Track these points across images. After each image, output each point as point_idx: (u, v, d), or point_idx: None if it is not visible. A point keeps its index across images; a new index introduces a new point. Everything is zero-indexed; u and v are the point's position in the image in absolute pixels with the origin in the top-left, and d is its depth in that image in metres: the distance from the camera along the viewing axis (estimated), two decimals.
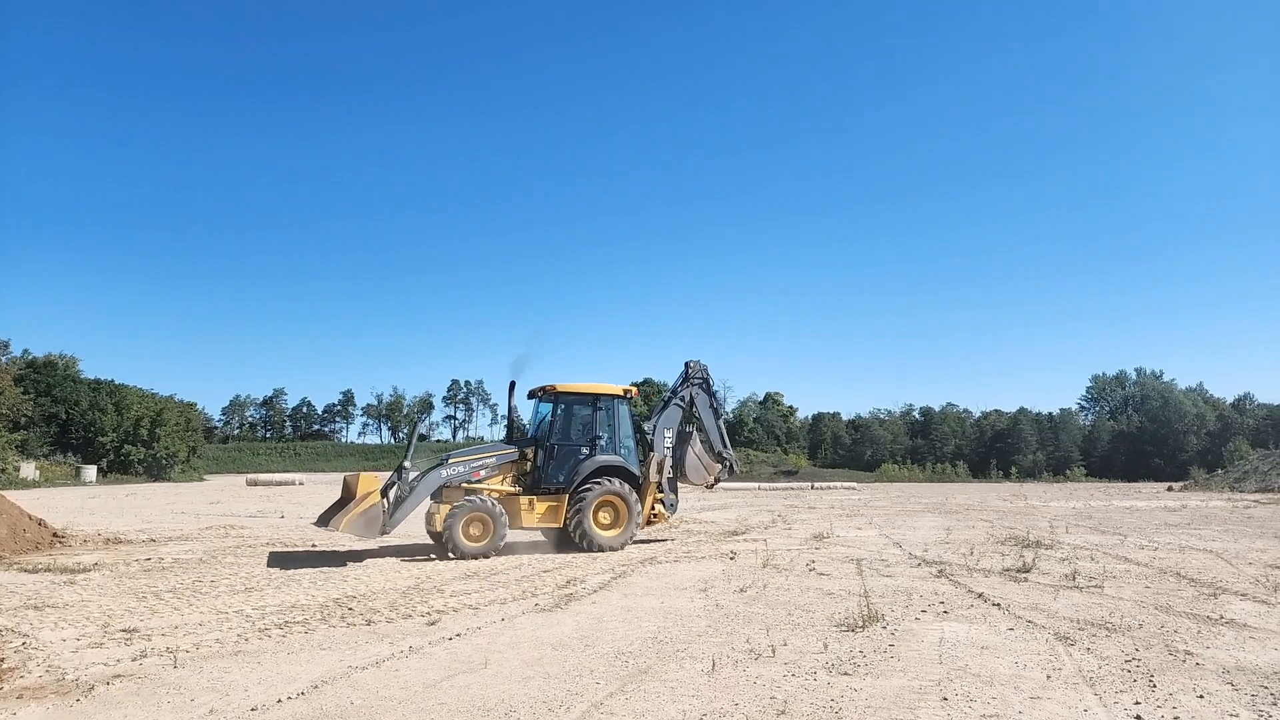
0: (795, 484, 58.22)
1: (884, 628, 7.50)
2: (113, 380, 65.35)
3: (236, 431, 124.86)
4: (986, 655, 6.49)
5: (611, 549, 13.77)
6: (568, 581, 10.45)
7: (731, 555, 13.31)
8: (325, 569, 11.76)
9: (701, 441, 15.87)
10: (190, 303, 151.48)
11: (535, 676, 5.90)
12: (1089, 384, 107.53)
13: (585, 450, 14.29)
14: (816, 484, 55.20)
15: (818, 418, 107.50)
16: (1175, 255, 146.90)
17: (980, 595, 9.22)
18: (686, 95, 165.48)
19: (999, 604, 8.67)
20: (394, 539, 15.08)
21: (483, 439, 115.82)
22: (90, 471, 54.35)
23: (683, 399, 15.66)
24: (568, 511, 13.86)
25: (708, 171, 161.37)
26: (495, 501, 13.32)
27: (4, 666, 6.11)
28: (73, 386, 60.87)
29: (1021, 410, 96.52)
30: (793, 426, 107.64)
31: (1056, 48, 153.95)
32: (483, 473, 13.87)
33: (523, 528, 13.99)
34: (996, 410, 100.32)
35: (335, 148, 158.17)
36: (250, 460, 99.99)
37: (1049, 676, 5.86)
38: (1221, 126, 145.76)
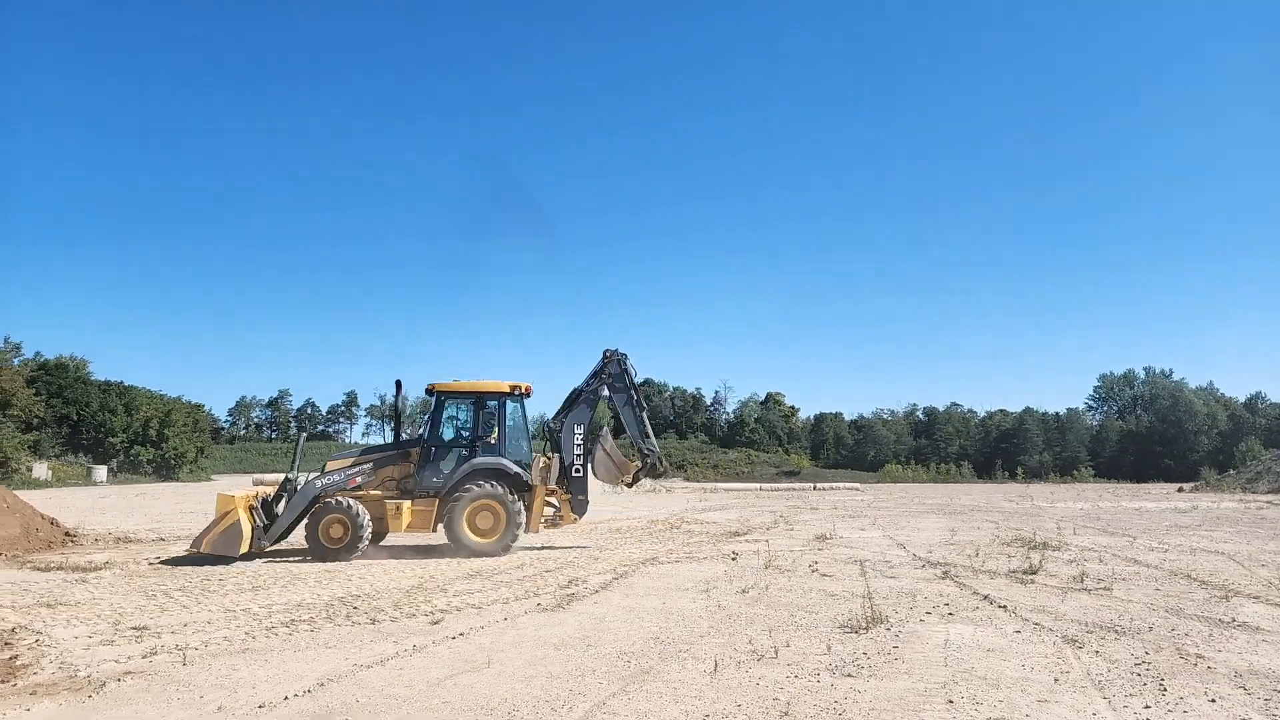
0: (797, 484, 58.18)
1: (888, 629, 7.53)
2: (122, 382, 65.75)
3: (243, 432, 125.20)
4: (992, 658, 6.51)
5: (487, 555, 13.11)
6: (570, 581, 10.51)
7: (733, 556, 13.35)
8: (330, 568, 11.84)
9: (616, 438, 15.48)
10: (197, 305, 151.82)
11: (538, 676, 5.96)
12: (1097, 383, 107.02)
13: (465, 452, 13.85)
14: (819, 485, 55.16)
15: (820, 418, 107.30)
16: (1184, 252, 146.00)
17: (986, 597, 9.24)
18: (687, 95, 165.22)
19: (1005, 606, 8.69)
20: (399, 540, 15.13)
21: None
22: (101, 471, 54.66)
23: (594, 393, 14.73)
24: (438, 516, 13.49)
25: (709, 170, 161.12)
26: (357, 504, 13.02)
27: (18, 663, 6.19)
28: (83, 388, 61.18)
29: (1027, 410, 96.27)
30: (794, 427, 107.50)
31: (1063, 50, 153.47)
32: (359, 479, 13.62)
33: (391, 532, 14.01)
34: (1002, 410, 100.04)
35: (338, 145, 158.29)
36: (256, 460, 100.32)
37: (1056, 679, 5.88)
38: (1229, 124, 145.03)
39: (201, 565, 12.09)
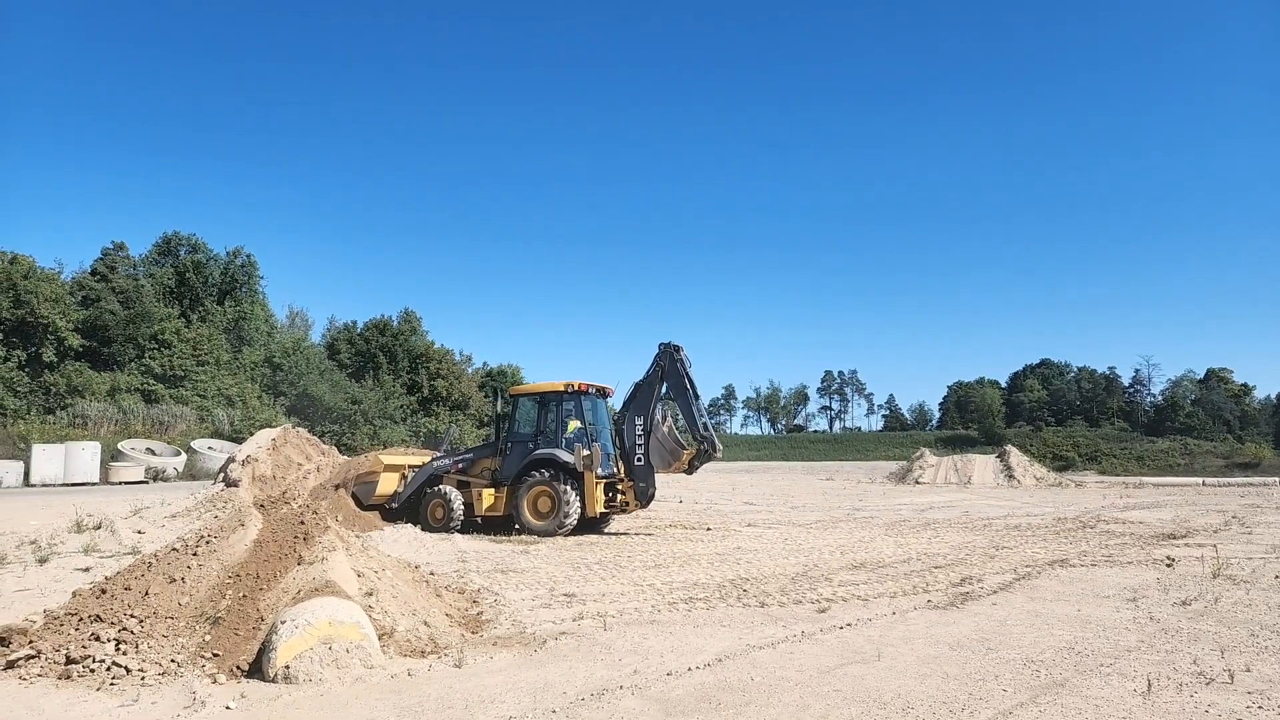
0: (1255, 479, 47.67)
1: None
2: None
3: None
4: None
5: (544, 534, 14.55)
6: (963, 580, 9.89)
7: (1168, 561, 11.41)
8: (720, 551, 12.64)
9: (667, 426, 15.23)
10: (598, 312, 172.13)
11: (932, 675, 5.72)
12: None
13: (531, 445, 15.37)
14: None
15: None
16: None
17: None
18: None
19: None
20: (783, 523, 15.52)
21: (860, 429, 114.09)
22: None
23: (650, 384, 15.52)
24: (508, 501, 15.25)
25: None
26: (451, 490, 15.55)
27: (483, 618, 7.64)
28: None
29: None
30: (1248, 409, 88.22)
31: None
32: (461, 465, 16.07)
33: (477, 515, 15.44)
34: None
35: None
36: None
37: None
38: None
39: (613, 543, 13.71)
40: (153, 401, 45.84)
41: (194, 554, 6.58)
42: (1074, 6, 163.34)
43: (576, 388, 15.57)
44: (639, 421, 15.45)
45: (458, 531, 15.13)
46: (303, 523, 7.06)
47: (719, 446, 15.77)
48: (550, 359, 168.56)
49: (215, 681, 5.40)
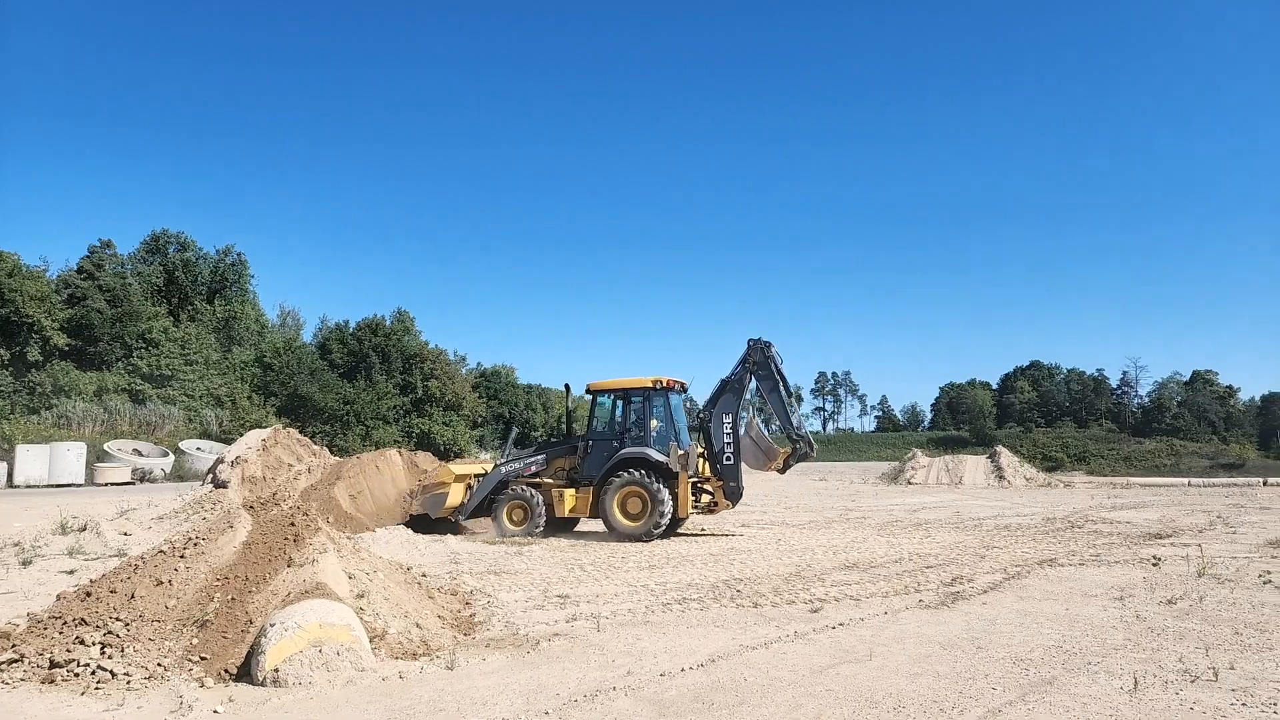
0: (1240, 480, 48.10)
1: None
2: (540, 384, 78.57)
3: None
4: None
5: (635, 538, 13.93)
6: (954, 579, 9.93)
7: (1155, 561, 11.49)
8: (714, 552, 12.65)
9: (761, 424, 14.86)
10: (594, 310, 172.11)
11: (924, 674, 5.75)
12: None
13: (616, 443, 14.72)
14: (1270, 480, 44.97)
15: (1269, 399, 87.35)
16: None
17: None
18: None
19: None
20: (774, 523, 15.59)
21: (853, 430, 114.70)
22: None
23: (740, 381, 15.02)
24: (594, 502, 14.52)
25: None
26: (534, 491, 14.82)
27: (475, 620, 7.62)
28: (513, 391, 73.96)
29: None
30: (1233, 410, 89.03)
31: None
32: (534, 468, 15.30)
33: (558, 517, 14.85)
34: None
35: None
36: None
37: None
38: None
39: (606, 544, 13.69)
40: (140, 401, 45.52)
41: (181, 556, 6.54)
42: (1054, 11, 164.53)
43: (665, 384, 15.08)
44: (727, 419, 15.06)
45: (539, 535, 14.66)
46: (293, 524, 7.02)
47: (814, 445, 15.48)
48: (543, 360, 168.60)
49: (203, 685, 5.36)
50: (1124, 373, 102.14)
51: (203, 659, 5.63)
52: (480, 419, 65.21)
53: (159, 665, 5.55)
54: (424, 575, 9.13)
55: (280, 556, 6.55)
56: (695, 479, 14.86)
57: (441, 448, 52.40)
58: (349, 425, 50.87)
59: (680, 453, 14.38)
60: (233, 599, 6.12)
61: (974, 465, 43.85)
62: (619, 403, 15.25)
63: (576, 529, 15.87)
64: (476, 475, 15.75)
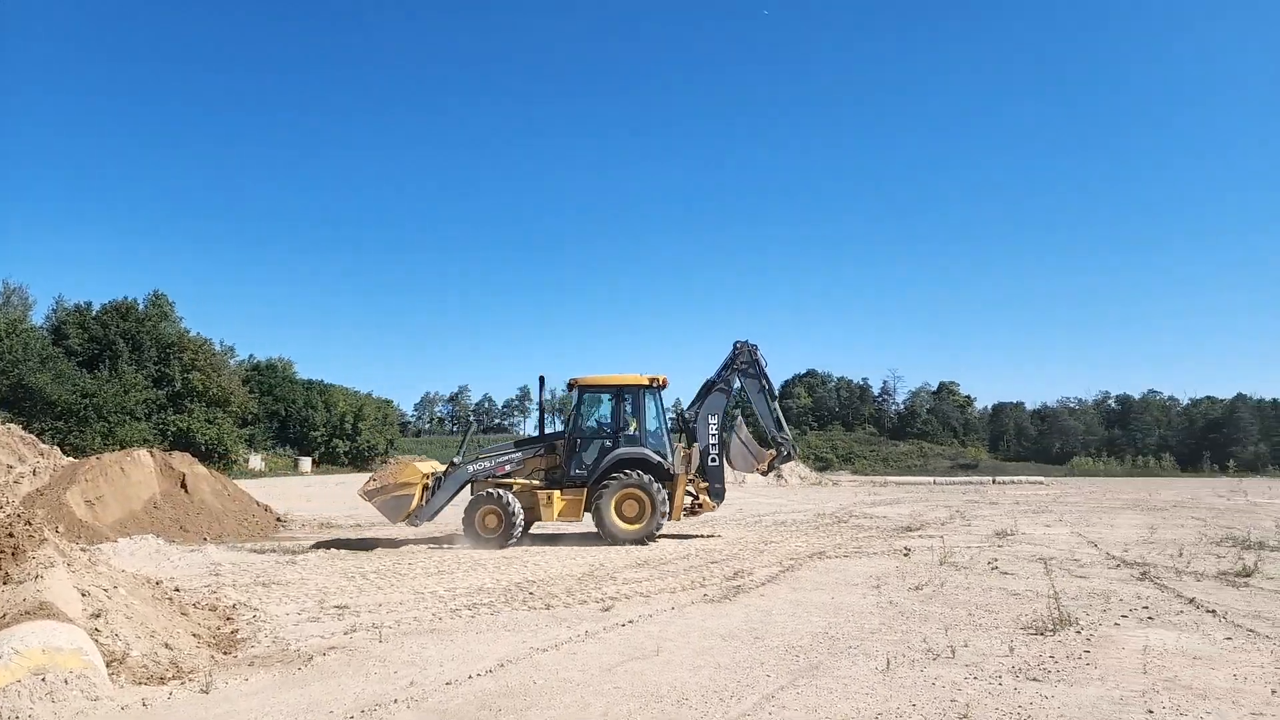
0: (975, 478, 54.99)
1: (1078, 632, 6.97)
2: (322, 380, 72.66)
3: (427, 426, 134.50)
4: (1199, 666, 5.88)
5: (634, 543, 13.47)
6: (735, 573, 10.49)
7: (905, 552, 12.82)
8: (508, 555, 12.47)
9: (749, 427, 15.26)
10: (382, 307, 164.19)
11: (706, 666, 5.99)
12: None
13: (609, 443, 14.19)
14: (998, 478, 51.84)
15: (998, 408, 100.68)
16: None
17: (1191, 600, 8.35)
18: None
19: (1214, 611, 7.81)
20: (571, 528, 15.63)
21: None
22: (306, 462, 60.74)
23: (727, 383, 15.03)
24: (588, 505, 13.87)
25: (872, 154, 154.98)
26: (511, 495, 13.64)
27: (238, 636, 6.96)
28: (290, 386, 68.04)
29: (1240, 397, 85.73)
30: (970, 417, 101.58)
31: None
32: (508, 467, 14.25)
33: (542, 521, 14.13)
34: (1209, 397, 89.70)
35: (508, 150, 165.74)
36: (440, 452, 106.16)
37: (1274, 692, 5.24)
38: None
39: (393, 550, 13.09)
40: None
41: None
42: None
43: (661, 382, 14.46)
44: (713, 420, 14.74)
45: (514, 544, 13.48)
46: (11, 535, 6.04)
47: (797, 448, 15.06)
48: (338, 357, 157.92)
49: None
50: (884, 382, 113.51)
51: None
52: (251, 416, 59.85)
53: None
54: (176, 590, 8.25)
55: None
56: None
57: (203, 448, 47.58)
58: (87, 421, 44.77)
59: (686, 453, 14.10)
60: None
61: None
62: (610, 400, 14.57)
63: (533, 530, 14.75)
64: (433, 474, 14.32)
